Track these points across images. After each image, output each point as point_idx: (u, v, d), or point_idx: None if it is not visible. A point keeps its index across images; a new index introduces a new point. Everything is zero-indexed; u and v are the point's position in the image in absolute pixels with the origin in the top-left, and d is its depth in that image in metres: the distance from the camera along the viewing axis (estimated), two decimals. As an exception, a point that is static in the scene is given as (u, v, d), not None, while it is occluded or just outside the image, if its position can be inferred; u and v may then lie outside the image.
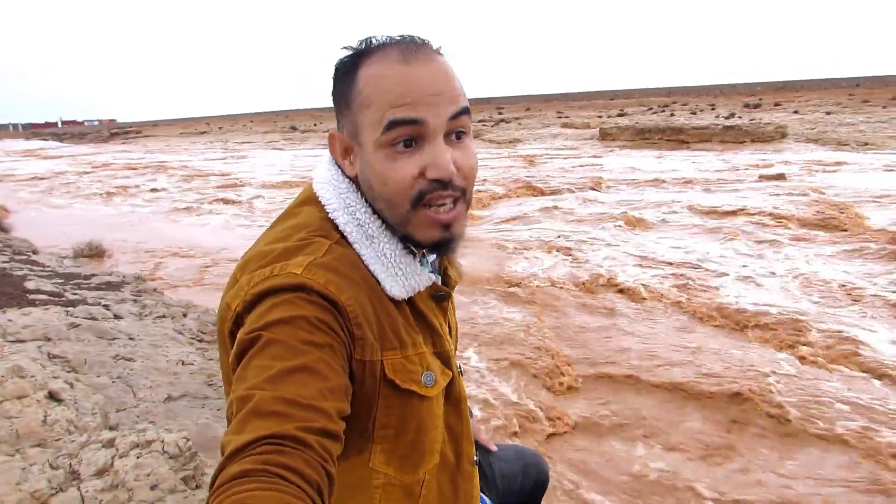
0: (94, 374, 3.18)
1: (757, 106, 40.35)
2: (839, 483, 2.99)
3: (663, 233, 8.69)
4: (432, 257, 1.00)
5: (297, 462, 0.62)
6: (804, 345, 4.54)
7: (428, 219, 0.85)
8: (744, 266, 6.72)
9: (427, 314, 0.93)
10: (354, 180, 0.92)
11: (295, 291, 0.77)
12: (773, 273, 6.40)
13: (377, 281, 0.86)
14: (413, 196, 0.84)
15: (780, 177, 12.83)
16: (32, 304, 4.37)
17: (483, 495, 1.20)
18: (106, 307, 4.64)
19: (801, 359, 4.35)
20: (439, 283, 0.99)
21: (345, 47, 0.89)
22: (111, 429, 2.23)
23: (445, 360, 0.95)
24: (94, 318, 4.21)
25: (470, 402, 3.71)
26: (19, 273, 5.61)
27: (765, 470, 3.12)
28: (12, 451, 1.42)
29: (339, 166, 0.94)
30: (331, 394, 0.71)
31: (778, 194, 10.81)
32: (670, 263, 6.93)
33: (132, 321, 4.44)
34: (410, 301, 0.91)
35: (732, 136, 22.65)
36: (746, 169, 14.70)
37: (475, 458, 1.06)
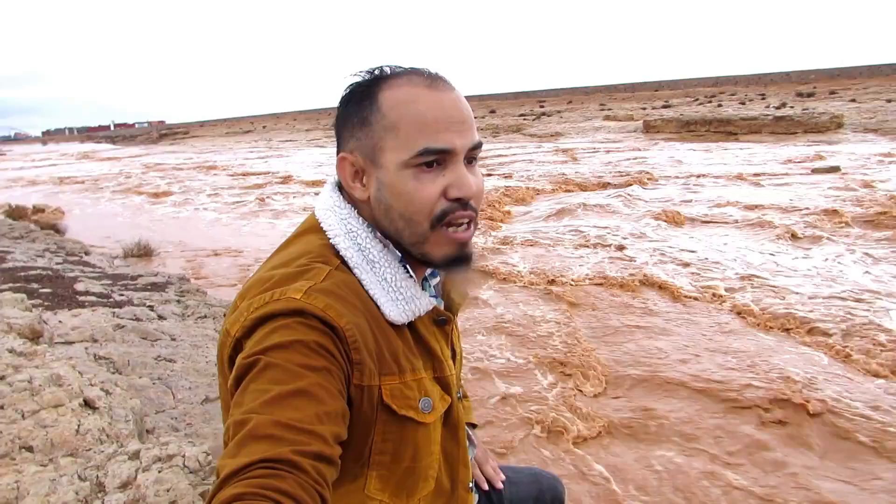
0: (136, 376, 3.28)
1: (810, 95, 38.84)
2: (883, 490, 2.86)
3: (707, 230, 8.48)
4: (435, 280, 1.02)
5: (292, 486, 0.62)
6: (852, 349, 4.35)
7: (446, 237, 0.88)
8: (791, 266, 6.49)
9: (428, 339, 0.93)
10: (363, 203, 0.92)
11: (294, 316, 0.77)
12: (821, 273, 6.17)
13: (377, 306, 0.87)
14: (436, 214, 0.86)
15: (835, 170, 12.35)
16: (82, 305, 4.53)
17: None
18: (150, 308, 4.78)
19: (849, 363, 4.17)
20: (441, 307, 1.00)
21: (360, 72, 0.91)
22: (147, 432, 2.28)
23: (445, 385, 0.95)
24: (138, 319, 4.34)
25: (480, 418, 3.68)
26: (71, 275, 5.82)
27: (805, 476, 3.01)
28: (46, 461, 1.46)
29: (343, 191, 0.95)
30: (327, 418, 0.71)
31: (831, 189, 10.41)
32: (714, 262, 6.75)
33: (175, 322, 4.55)
34: (411, 325, 0.91)
35: (784, 127, 21.94)
36: (800, 162, 14.20)
37: (470, 484, 1.05)
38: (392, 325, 0.87)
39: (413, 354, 0.90)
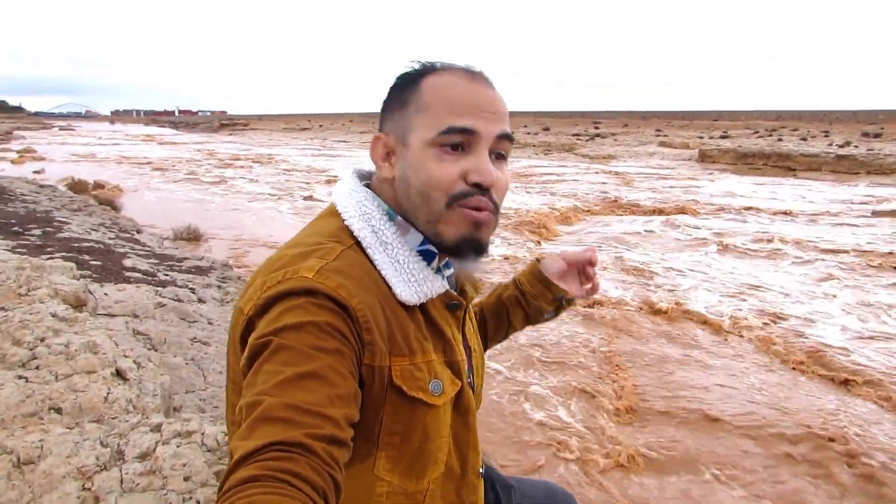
0: (171, 354, 3.35)
1: (877, 135, 37.29)
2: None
3: (755, 265, 8.23)
4: (449, 272, 1.01)
5: (304, 468, 0.62)
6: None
7: (461, 215, 0.88)
8: (840, 308, 6.25)
9: (439, 322, 0.94)
10: (386, 184, 0.95)
11: (306, 296, 0.77)
12: (874, 319, 5.91)
13: (388, 286, 0.87)
14: (452, 194, 0.87)
15: (897, 214, 11.87)
16: (127, 280, 4.67)
17: None
18: (192, 290, 4.89)
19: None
20: (454, 293, 1.00)
21: (412, 61, 0.94)
22: (175, 410, 2.33)
23: (456, 369, 0.95)
24: (179, 300, 4.44)
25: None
26: (121, 250, 6.01)
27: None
28: (72, 424, 1.50)
29: (361, 178, 0.99)
30: (339, 400, 0.71)
31: (893, 232, 10.00)
32: (759, 298, 6.55)
33: (213, 306, 4.65)
34: (423, 308, 0.92)
35: (846, 167, 21.19)
36: (860, 203, 13.70)
37: (480, 469, 1.04)
38: (404, 306, 0.88)
39: (424, 337, 0.90)
